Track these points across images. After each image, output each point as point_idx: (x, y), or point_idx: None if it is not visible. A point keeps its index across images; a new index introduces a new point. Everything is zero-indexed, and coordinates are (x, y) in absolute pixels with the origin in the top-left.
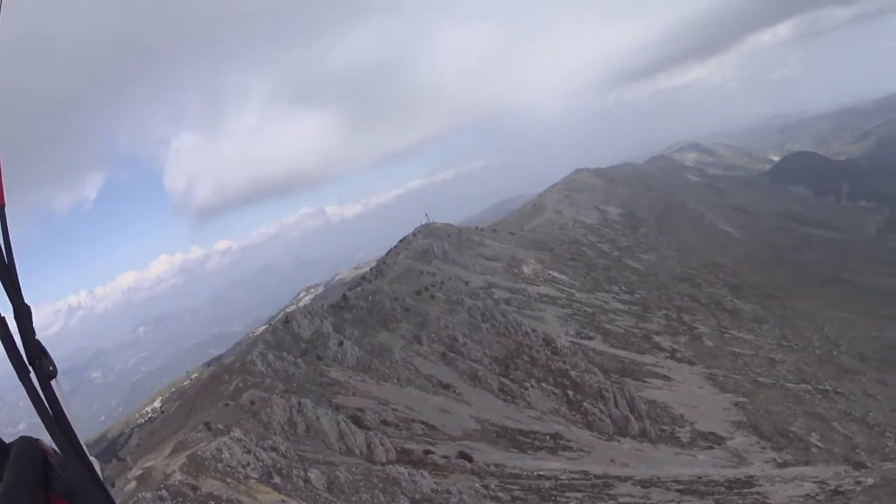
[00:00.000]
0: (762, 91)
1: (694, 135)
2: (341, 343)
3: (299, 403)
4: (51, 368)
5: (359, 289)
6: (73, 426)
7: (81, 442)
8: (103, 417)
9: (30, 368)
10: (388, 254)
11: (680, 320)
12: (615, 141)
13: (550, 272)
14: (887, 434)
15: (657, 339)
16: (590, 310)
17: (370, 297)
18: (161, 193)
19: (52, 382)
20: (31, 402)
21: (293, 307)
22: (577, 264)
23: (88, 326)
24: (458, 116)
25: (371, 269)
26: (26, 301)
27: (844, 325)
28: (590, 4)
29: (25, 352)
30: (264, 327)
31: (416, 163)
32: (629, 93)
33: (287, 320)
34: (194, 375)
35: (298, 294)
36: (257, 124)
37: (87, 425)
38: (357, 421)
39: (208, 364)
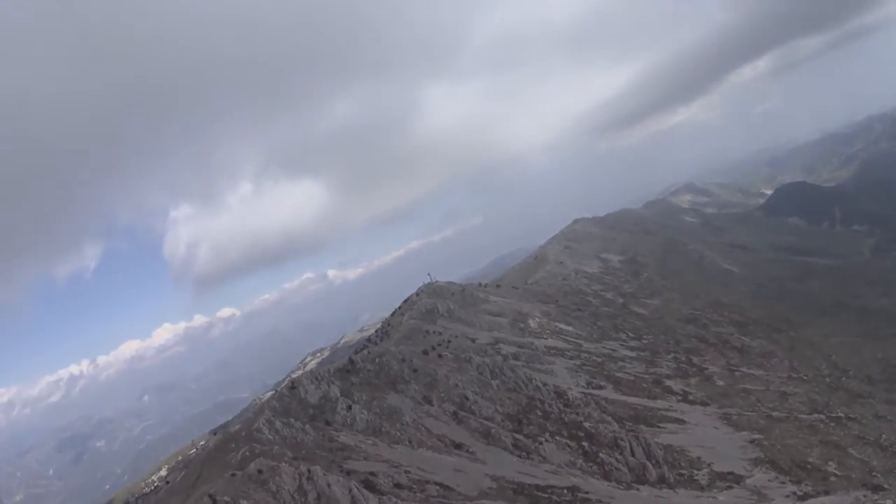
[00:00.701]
0: (748, 126)
1: (686, 174)
2: (350, 407)
3: (309, 471)
4: None
5: (365, 351)
6: None
7: None
8: (108, 486)
9: None
10: (392, 315)
11: (689, 362)
12: (610, 187)
13: (557, 324)
14: None
15: (668, 382)
16: (598, 359)
17: (377, 360)
18: (161, 263)
19: None
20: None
21: (299, 372)
22: (582, 314)
23: (91, 395)
24: (451, 174)
25: (376, 331)
26: None
27: (851, 350)
28: (571, 56)
29: None
30: (270, 393)
31: (414, 223)
32: (620, 139)
33: (293, 386)
34: (201, 443)
35: (304, 359)
36: (253, 192)
37: (91, 494)
38: (369, 485)
39: (214, 432)
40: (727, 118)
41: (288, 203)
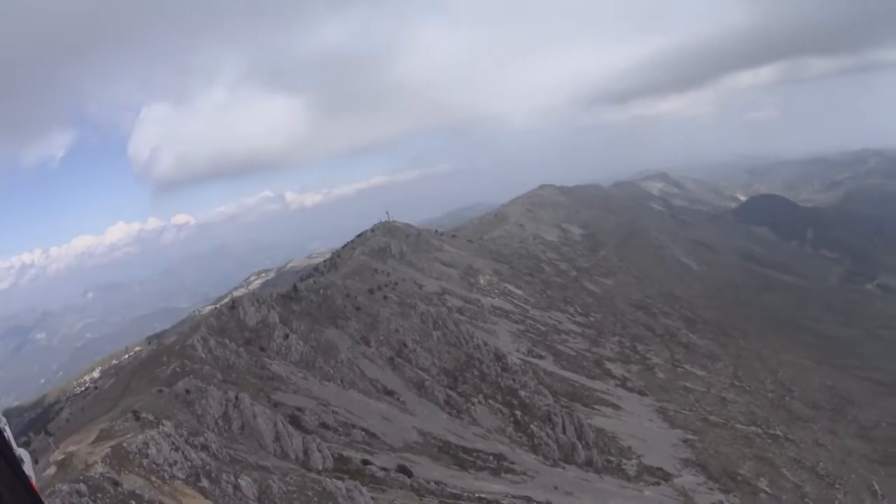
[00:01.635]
0: (736, 130)
1: (663, 165)
2: (287, 336)
3: (237, 398)
4: None
5: (310, 280)
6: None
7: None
8: (43, 380)
9: None
10: (343, 247)
11: (633, 349)
12: (584, 161)
13: (506, 285)
14: (836, 486)
15: (609, 365)
16: (543, 328)
17: (321, 291)
18: (124, 161)
19: None
20: None
21: (242, 290)
22: (533, 280)
23: (39, 286)
24: (429, 118)
25: (325, 261)
26: None
27: (798, 371)
28: (576, 23)
29: None
30: (211, 307)
31: (381, 159)
32: (604, 115)
33: (233, 305)
34: (136, 349)
35: (249, 277)
36: (226, 102)
37: (27, 387)
38: (295, 421)
39: (150, 340)
40: (716, 117)
41: (261, 117)
